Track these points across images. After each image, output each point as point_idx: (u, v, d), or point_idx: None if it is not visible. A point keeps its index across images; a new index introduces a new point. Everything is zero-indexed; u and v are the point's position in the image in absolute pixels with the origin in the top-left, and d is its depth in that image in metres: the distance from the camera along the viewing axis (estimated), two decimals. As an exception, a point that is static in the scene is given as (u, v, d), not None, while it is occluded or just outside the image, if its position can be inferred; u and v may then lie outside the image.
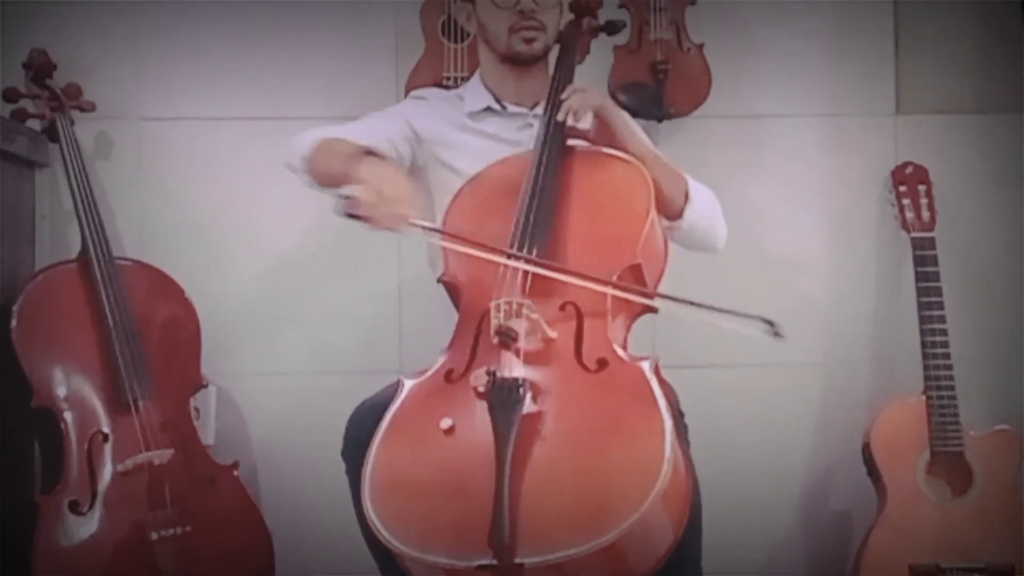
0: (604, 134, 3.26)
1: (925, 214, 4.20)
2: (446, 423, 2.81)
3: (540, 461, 2.71)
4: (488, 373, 2.80)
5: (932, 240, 4.16)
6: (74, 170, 4.02)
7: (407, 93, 4.04)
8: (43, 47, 4.12)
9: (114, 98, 4.28)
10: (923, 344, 4.07)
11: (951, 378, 4.03)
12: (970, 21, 4.41)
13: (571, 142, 3.26)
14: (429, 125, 3.52)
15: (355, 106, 4.04)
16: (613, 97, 3.93)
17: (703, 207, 3.36)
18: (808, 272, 4.42)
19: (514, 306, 2.91)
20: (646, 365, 2.83)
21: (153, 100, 4.33)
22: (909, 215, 4.21)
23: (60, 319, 3.87)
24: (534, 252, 3.02)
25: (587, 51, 3.81)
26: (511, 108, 3.53)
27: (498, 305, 2.93)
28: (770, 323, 2.75)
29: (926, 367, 4.06)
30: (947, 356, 4.05)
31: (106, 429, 3.76)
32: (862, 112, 4.42)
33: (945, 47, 4.42)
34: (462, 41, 4.15)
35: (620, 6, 4.19)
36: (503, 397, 2.75)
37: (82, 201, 3.99)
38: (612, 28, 3.65)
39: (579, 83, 3.34)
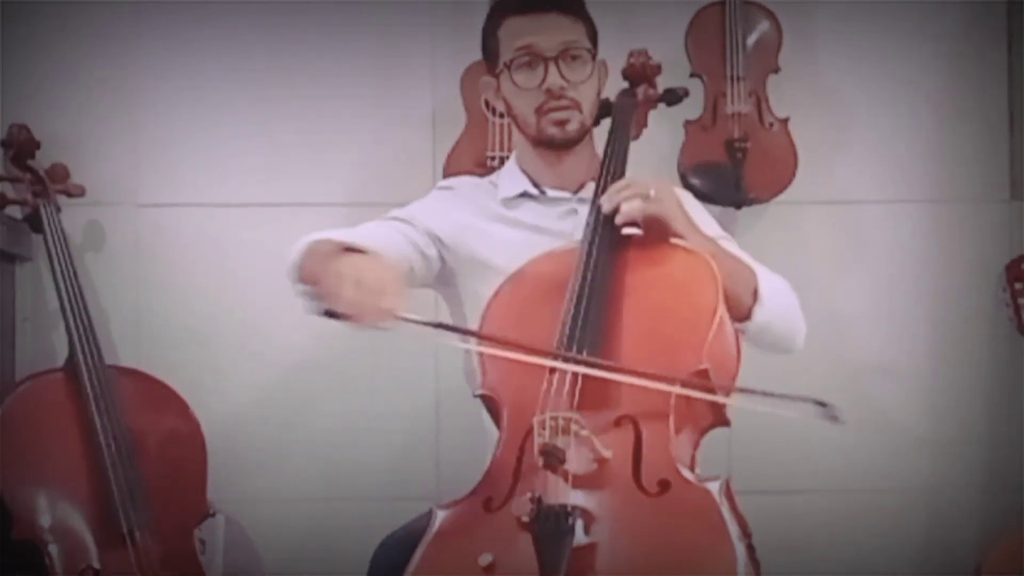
0: (656, 228, 3.03)
1: (1044, 314, 4.09)
2: (485, 560, 2.63)
3: None
4: (532, 500, 2.61)
5: (1053, 345, 4.04)
6: (61, 264, 3.88)
7: (445, 174, 3.98)
8: (24, 122, 4.00)
9: (107, 181, 4.15)
10: (1043, 465, 3.95)
11: (1076, 504, 3.97)
12: (1097, 94, 4.31)
13: (625, 230, 3.08)
14: (457, 219, 3.33)
15: (385, 190, 4.02)
16: (683, 179, 3.90)
17: (776, 307, 3.14)
18: (908, 381, 4.22)
19: (560, 422, 2.73)
20: (714, 487, 2.63)
21: (151, 184, 4.20)
22: (1027, 316, 4.10)
23: (44, 437, 3.70)
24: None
25: (644, 124, 3.54)
26: (551, 193, 3.34)
27: (543, 421, 2.74)
28: (822, 404, 2.61)
29: (1046, 491, 3.95)
30: (1072, 479, 4.01)
31: (97, 565, 3.59)
32: (972, 198, 4.25)
33: (1069, 123, 4.31)
34: (510, 114, 4.02)
35: (692, 75, 4.04)
36: (550, 527, 2.58)
37: (70, 300, 3.84)
38: (673, 98, 3.42)
39: (630, 179, 3.11)
